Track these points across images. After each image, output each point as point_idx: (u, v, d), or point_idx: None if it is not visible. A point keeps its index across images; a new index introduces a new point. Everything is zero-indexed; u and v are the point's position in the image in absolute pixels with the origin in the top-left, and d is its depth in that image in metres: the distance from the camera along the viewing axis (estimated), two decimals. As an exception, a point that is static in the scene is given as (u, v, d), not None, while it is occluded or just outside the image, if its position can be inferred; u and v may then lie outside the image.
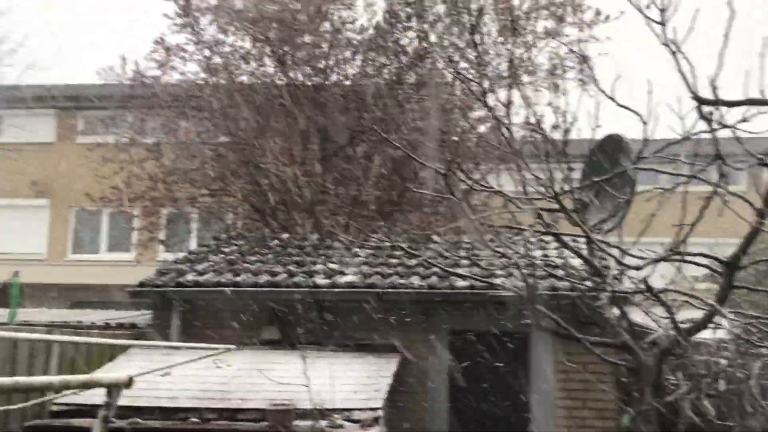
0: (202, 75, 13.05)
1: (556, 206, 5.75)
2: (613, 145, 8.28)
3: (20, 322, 8.69)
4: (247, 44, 12.95)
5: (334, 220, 12.11)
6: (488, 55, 12.14)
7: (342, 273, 8.56)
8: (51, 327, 7.71)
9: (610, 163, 7.29)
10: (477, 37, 11.32)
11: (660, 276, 5.59)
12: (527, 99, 9.97)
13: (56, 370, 6.89)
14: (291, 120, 12.37)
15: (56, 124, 19.19)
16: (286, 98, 12.27)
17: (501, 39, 12.56)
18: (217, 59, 12.89)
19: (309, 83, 12.58)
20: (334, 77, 12.73)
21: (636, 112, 5.29)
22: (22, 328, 7.07)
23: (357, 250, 9.57)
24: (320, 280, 8.36)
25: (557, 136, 6.52)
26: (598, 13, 12.65)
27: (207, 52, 12.85)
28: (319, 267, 8.79)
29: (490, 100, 7.98)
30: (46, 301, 13.71)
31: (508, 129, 6.20)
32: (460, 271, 7.89)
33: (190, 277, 8.45)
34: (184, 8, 12.60)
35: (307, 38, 12.47)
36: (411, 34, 12.71)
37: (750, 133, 4.92)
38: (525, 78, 12.46)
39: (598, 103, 5.96)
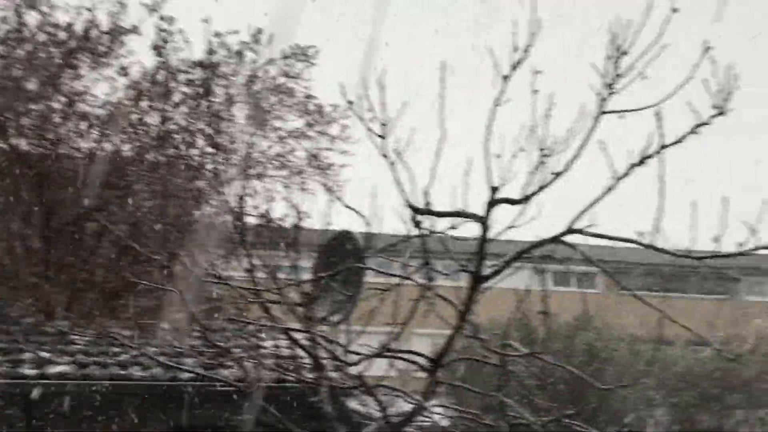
0: None
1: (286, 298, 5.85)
2: (345, 241, 8.72)
3: None
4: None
5: (55, 304, 11.13)
6: (235, 143, 12.27)
7: (53, 362, 7.85)
8: None
9: (342, 258, 7.64)
10: (220, 124, 11.45)
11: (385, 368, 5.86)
12: (269, 192, 10.19)
13: None
14: (13, 192, 11.35)
15: None
16: (7, 168, 11.29)
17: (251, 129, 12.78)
18: None
19: (33, 152, 11.71)
20: (64, 149, 11.98)
21: (360, 213, 5.62)
22: None
23: (75, 337, 8.86)
24: (28, 370, 7.59)
25: (293, 229, 6.75)
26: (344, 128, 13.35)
27: None
28: (28, 355, 7.98)
29: (234, 188, 8.02)
30: None
31: (240, 219, 6.26)
32: (187, 362, 7.62)
33: None
34: None
35: (35, 106, 11.65)
36: (156, 114, 12.46)
37: (459, 239, 5.52)
38: (272, 171, 12.76)
39: (332, 201, 6.34)
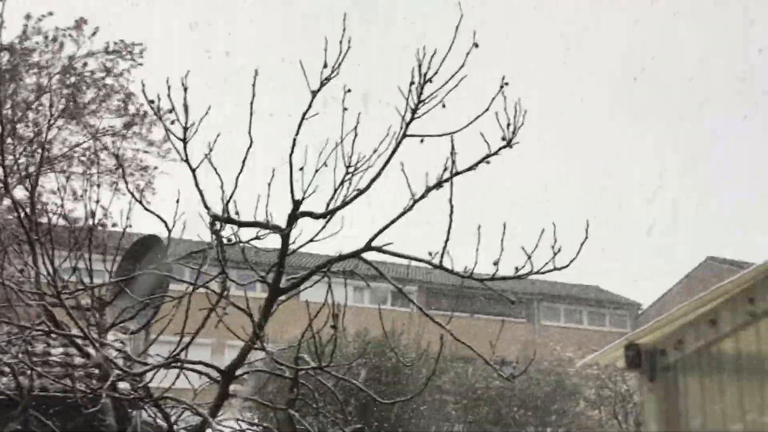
0: None
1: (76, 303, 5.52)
2: (150, 246, 8.37)
3: None
4: None
5: None
6: (40, 136, 11.52)
7: None
8: None
9: (145, 263, 7.31)
10: (26, 113, 10.71)
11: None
12: (73, 189, 9.63)
13: None
14: None
15: None
16: None
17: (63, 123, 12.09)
18: None
19: None
20: None
21: (161, 218, 5.43)
22: None
23: None
24: None
25: (91, 230, 6.39)
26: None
27: None
28: None
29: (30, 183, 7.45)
30: None
31: (31, 216, 5.82)
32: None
33: None
34: None
35: None
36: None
37: (262, 249, 5.49)
38: (79, 168, 12.11)
39: (131, 204, 6.07)
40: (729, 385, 6.59)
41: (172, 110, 4.23)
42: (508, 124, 4.35)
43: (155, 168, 12.99)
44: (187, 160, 4.44)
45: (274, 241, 5.50)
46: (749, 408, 6.29)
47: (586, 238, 4.04)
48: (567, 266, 4.05)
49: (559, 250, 4.00)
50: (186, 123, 4.33)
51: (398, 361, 14.93)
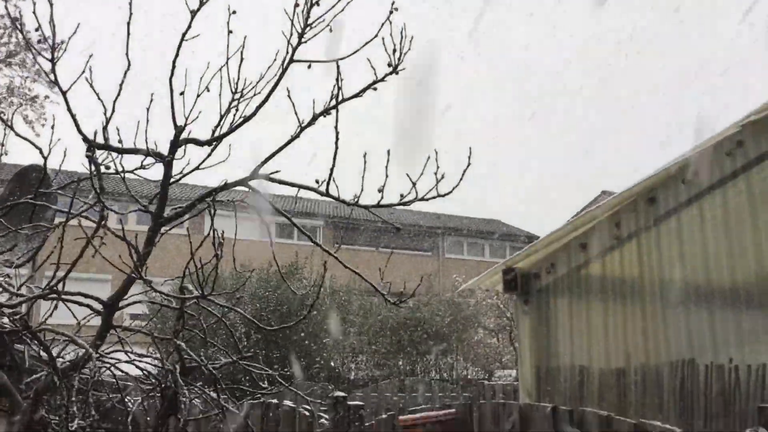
0: None
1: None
2: (33, 175, 7.99)
3: None
4: None
5: None
6: None
7: None
8: None
9: (25, 193, 6.97)
10: None
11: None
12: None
13: None
14: None
15: None
16: None
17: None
18: None
19: None
20: None
21: (35, 145, 5.14)
22: None
23: None
24: None
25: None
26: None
27: None
28: None
29: None
30: None
31: None
32: None
33: None
34: None
35: None
36: None
37: (148, 180, 5.30)
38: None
39: (6, 132, 5.72)
40: (594, 306, 6.94)
41: (38, 28, 3.95)
42: (394, 50, 4.29)
43: (46, 98, 12.30)
44: (56, 82, 4.18)
45: (161, 172, 5.32)
46: (612, 327, 6.65)
47: (469, 165, 4.08)
48: (450, 193, 4.10)
49: (443, 177, 4.03)
50: (53, 42, 4.06)
51: (293, 293, 15.03)
